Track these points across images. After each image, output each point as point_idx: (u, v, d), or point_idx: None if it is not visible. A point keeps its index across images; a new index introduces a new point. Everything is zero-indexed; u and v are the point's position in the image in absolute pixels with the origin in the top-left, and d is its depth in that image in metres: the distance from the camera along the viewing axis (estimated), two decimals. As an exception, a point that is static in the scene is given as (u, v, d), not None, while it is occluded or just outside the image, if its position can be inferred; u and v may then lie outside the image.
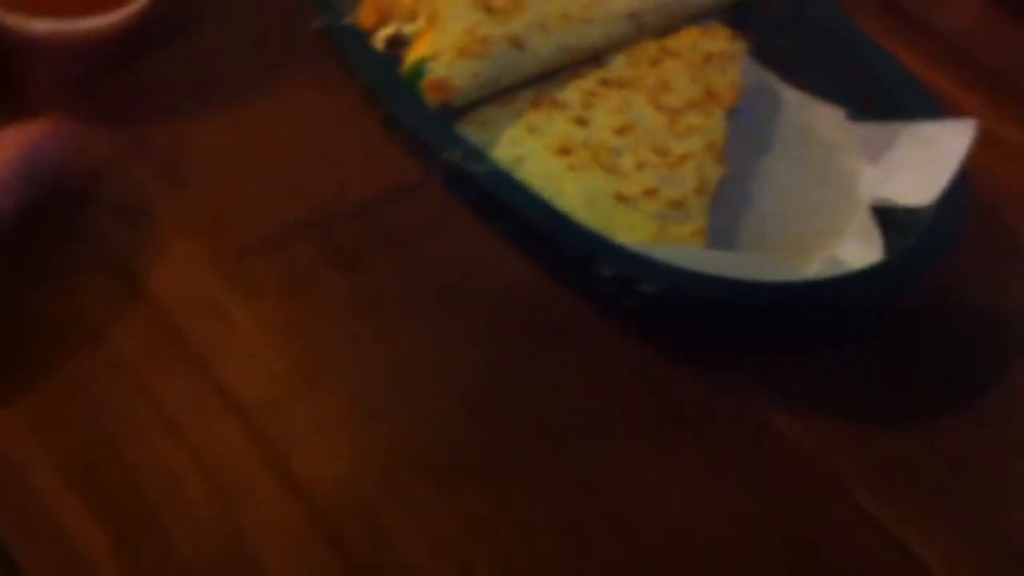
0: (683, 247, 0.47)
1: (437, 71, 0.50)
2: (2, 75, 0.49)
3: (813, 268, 0.49)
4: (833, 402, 0.49)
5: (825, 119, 0.58)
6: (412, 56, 0.52)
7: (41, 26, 0.47)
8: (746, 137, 0.57)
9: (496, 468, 0.43)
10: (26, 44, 0.48)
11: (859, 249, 0.50)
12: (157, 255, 0.47)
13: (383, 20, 0.55)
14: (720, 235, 0.52)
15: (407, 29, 0.54)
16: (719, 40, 0.58)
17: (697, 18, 0.60)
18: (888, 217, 0.52)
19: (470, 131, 0.51)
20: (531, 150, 0.50)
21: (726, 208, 0.53)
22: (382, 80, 0.49)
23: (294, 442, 0.42)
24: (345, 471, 0.42)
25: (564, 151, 0.50)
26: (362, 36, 0.51)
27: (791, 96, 0.59)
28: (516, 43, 0.52)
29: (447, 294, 0.48)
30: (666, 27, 0.58)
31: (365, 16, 0.55)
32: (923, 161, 0.52)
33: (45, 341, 0.43)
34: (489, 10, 0.52)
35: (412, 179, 0.52)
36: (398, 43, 0.54)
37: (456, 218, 0.50)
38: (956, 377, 0.51)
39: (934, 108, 0.55)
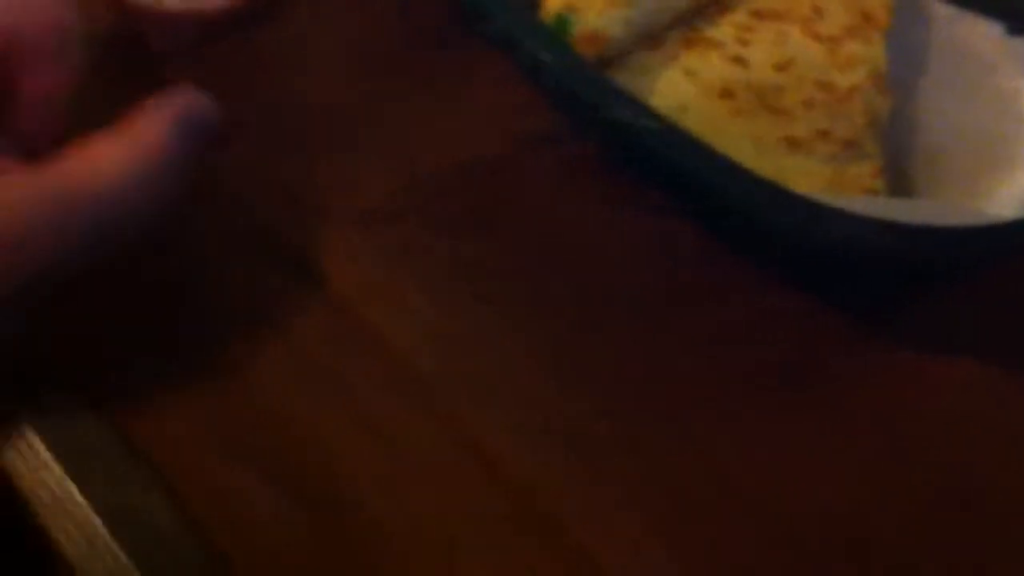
0: (867, 198, 0.45)
1: (588, 22, 0.47)
2: (143, 51, 0.47)
3: (996, 207, 0.46)
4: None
5: (981, 35, 0.54)
6: (553, 3, 0.49)
7: (173, 4, 0.44)
8: (898, 59, 0.54)
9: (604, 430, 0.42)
10: (161, 21, 0.46)
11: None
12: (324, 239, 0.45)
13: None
14: (892, 173, 0.49)
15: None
16: (864, -43, 0.54)
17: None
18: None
19: (623, 79, 0.48)
20: (691, 96, 0.47)
21: (892, 142, 0.50)
22: (532, 33, 0.46)
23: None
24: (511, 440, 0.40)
25: (726, 93, 0.48)
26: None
27: (942, 10, 0.56)
28: (661, -16, 0.49)
29: (590, 259, 0.46)
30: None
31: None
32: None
33: (223, 334, 0.42)
34: (627, -49, 0.49)
35: (554, 133, 0.49)
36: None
37: (600, 176, 0.48)
38: None
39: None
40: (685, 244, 0.48)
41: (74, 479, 0.38)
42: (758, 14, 0.51)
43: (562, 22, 0.48)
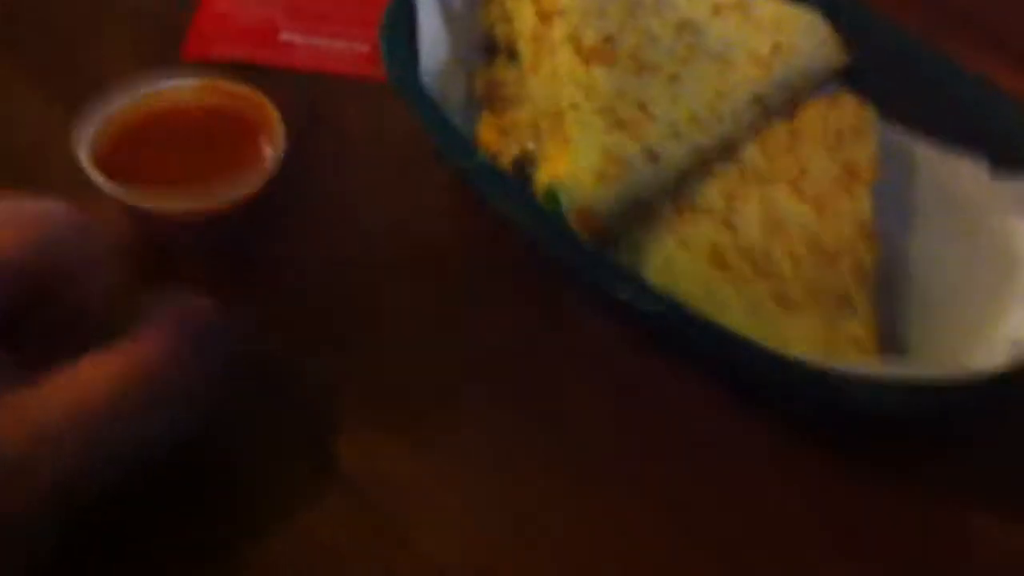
0: (863, 363, 0.46)
1: (580, 199, 0.49)
2: (155, 254, 0.50)
3: (994, 354, 0.47)
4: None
5: (967, 177, 0.56)
6: (543, 179, 0.51)
7: (176, 206, 0.47)
8: (887, 206, 0.55)
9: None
10: (168, 224, 0.48)
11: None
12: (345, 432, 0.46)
13: (504, 140, 0.54)
14: (886, 326, 0.50)
15: (531, 147, 0.53)
16: (846, 111, 0.56)
17: (819, 86, 0.58)
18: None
19: (620, 253, 0.50)
20: (686, 267, 0.49)
21: (884, 292, 0.52)
22: (531, 220, 0.49)
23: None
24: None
25: (719, 261, 0.49)
26: (501, 177, 0.50)
27: (927, 154, 0.58)
28: (653, 156, 0.51)
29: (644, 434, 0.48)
30: (791, 102, 0.57)
31: (488, 138, 0.54)
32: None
33: (238, 527, 0.43)
34: (621, 125, 0.51)
35: (565, 310, 0.51)
36: (525, 162, 0.53)
37: (617, 347, 0.50)
38: None
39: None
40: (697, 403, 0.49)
41: None
42: (745, 177, 0.53)
43: (552, 196, 0.50)
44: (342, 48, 0.62)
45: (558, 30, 0.55)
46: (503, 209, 0.49)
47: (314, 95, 0.60)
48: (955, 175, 0.56)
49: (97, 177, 0.47)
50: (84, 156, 0.48)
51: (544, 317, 0.51)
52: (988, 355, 0.47)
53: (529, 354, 0.50)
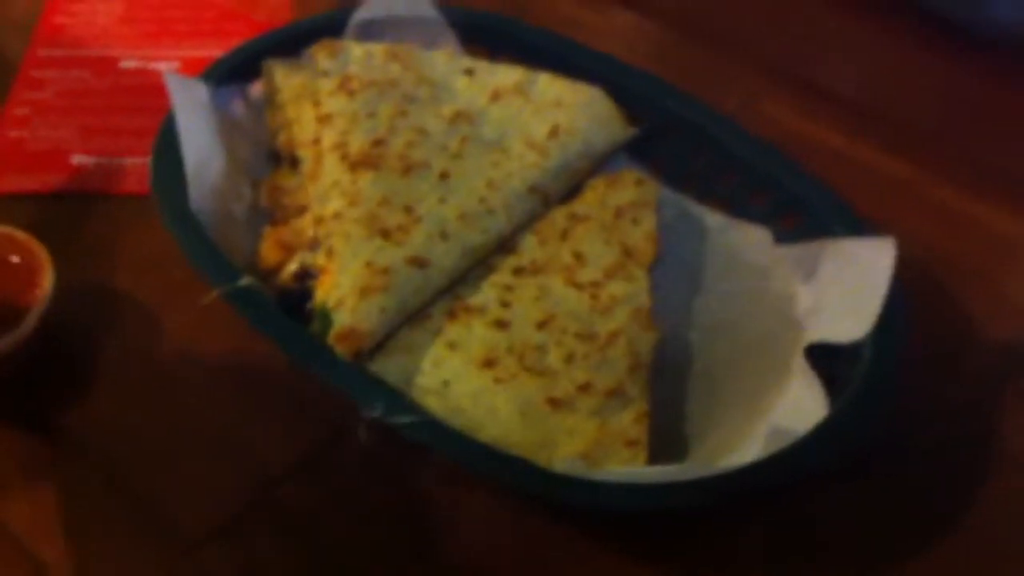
0: (622, 470, 0.46)
1: (343, 319, 0.49)
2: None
3: (756, 446, 0.47)
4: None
5: (752, 243, 0.56)
6: (319, 296, 0.51)
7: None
8: (674, 274, 0.55)
9: None
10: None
11: (803, 401, 0.48)
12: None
13: (287, 253, 0.54)
14: (668, 406, 0.51)
15: (310, 260, 0.53)
16: (626, 188, 0.57)
17: (605, 164, 0.58)
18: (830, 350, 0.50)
19: (390, 363, 0.50)
20: (455, 370, 0.49)
21: (669, 367, 0.52)
22: (285, 342, 0.49)
23: None
24: None
25: (488, 363, 0.49)
26: (259, 297, 0.50)
27: (714, 220, 0.58)
28: (419, 263, 0.51)
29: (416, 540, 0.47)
30: (573, 186, 0.57)
31: (269, 252, 0.54)
32: (852, 287, 0.51)
33: None
34: (384, 234, 0.51)
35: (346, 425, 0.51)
36: (305, 275, 0.53)
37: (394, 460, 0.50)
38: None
39: (853, 220, 0.53)
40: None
41: None
42: (520, 271, 0.53)
43: (324, 317, 0.50)
44: (135, 164, 0.61)
45: (327, 138, 0.55)
46: (263, 332, 0.49)
47: (108, 216, 0.59)
48: (741, 241, 0.57)
49: None
50: None
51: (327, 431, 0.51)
52: (755, 442, 0.47)
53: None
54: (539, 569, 0.48)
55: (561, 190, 0.56)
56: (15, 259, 0.52)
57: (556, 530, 0.48)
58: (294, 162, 0.57)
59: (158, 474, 0.50)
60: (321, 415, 0.51)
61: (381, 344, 0.50)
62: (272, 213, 0.56)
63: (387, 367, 0.49)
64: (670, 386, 0.52)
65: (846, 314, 0.50)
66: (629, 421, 0.48)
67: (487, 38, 0.62)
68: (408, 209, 0.52)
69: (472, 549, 0.48)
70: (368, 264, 0.50)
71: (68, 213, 0.58)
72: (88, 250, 0.56)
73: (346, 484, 0.50)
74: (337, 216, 0.52)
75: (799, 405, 0.48)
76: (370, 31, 0.60)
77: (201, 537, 0.47)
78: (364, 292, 0.49)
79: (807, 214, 0.55)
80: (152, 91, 0.61)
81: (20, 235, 0.52)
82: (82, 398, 0.52)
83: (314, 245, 0.53)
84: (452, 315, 0.51)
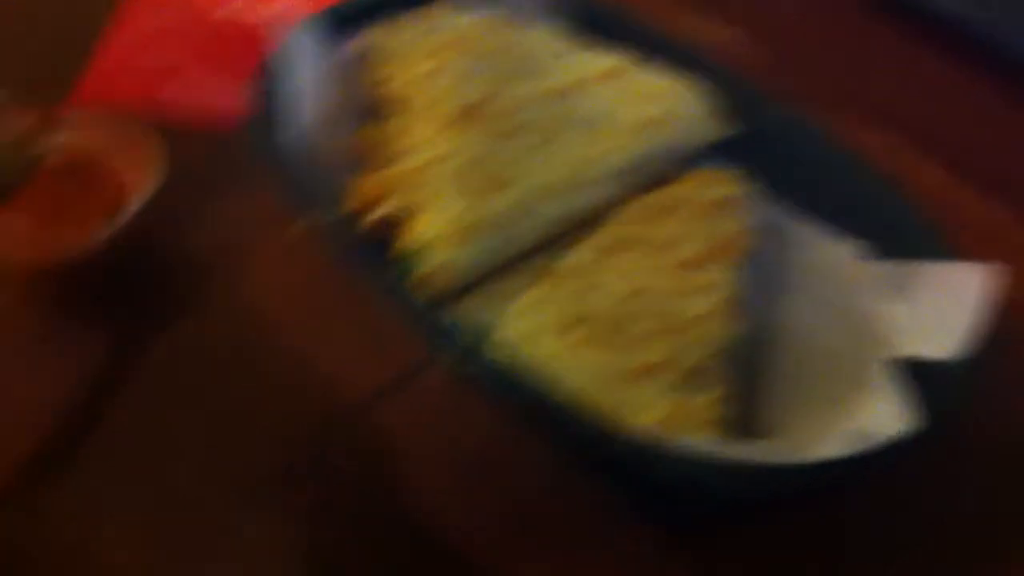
0: (698, 439, 0.45)
1: (431, 261, 0.49)
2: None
3: (835, 444, 0.46)
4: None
5: (842, 258, 0.56)
6: (406, 240, 0.51)
7: (19, 257, 0.47)
8: (762, 277, 0.55)
9: None
10: (15, 272, 0.48)
11: (886, 411, 0.47)
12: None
13: (378, 198, 0.54)
14: (744, 398, 0.50)
15: (401, 206, 0.53)
16: (722, 184, 0.56)
17: (691, 161, 0.58)
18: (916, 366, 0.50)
19: (474, 309, 0.49)
20: (536, 328, 0.49)
21: (744, 366, 0.51)
22: (376, 275, 0.48)
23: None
24: None
25: (569, 327, 0.49)
26: (352, 230, 0.49)
27: (805, 233, 0.57)
28: (505, 223, 0.51)
29: (466, 472, 0.46)
30: (664, 176, 0.57)
31: (360, 195, 0.54)
32: (943, 307, 0.50)
33: None
34: (478, 190, 0.51)
35: (421, 362, 0.51)
36: (393, 222, 0.53)
37: (470, 400, 0.49)
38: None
39: (945, 246, 0.53)
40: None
41: None
42: (613, 244, 0.52)
43: (408, 260, 0.50)
44: (232, 102, 0.61)
45: (427, 94, 0.55)
46: (351, 265, 0.48)
47: (200, 147, 0.59)
48: (828, 255, 0.56)
49: None
50: None
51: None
52: (836, 443, 0.46)
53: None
54: (582, 526, 0.46)
55: (651, 176, 0.56)
56: (114, 165, 0.52)
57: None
58: (390, 115, 0.57)
59: (236, 397, 0.49)
60: (394, 353, 0.51)
61: (460, 296, 0.50)
62: (363, 161, 0.56)
63: (465, 318, 0.49)
64: (743, 381, 0.51)
65: (934, 332, 0.49)
66: (705, 403, 0.48)
67: (590, 24, 0.62)
68: (500, 171, 0.52)
69: (527, 495, 0.46)
70: (457, 216, 0.50)
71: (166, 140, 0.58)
72: (177, 178, 0.56)
73: (416, 420, 0.49)
74: (430, 167, 0.52)
75: (881, 414, 0.47)
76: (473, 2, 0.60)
77: (277, 461, 0.46)
78: (450, 241, 0.49)
79: (897, 235, 0.54)
80: (253, 35, 0.61)
81: (136, 127, 0.52)
82: (165, 317, 0.51)
83: (405, 194, 0.53)
84: (536, 277, 0.51)
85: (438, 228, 0.49)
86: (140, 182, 0.50)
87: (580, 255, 0.52)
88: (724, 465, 0.43)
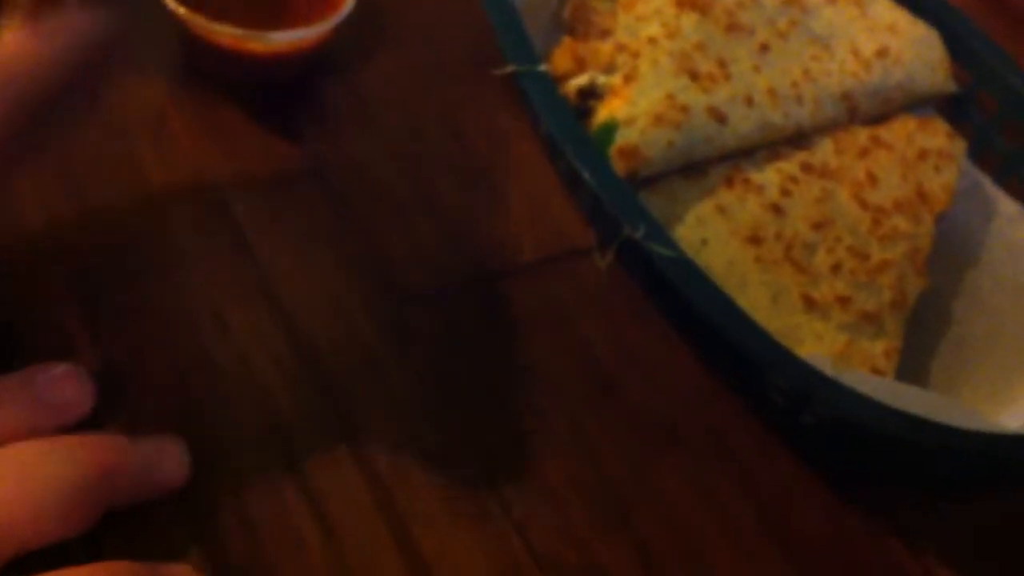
0: (870, 377, 0.42)
1: (630, 137, 0.46)
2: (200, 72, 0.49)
3: (1014, 419, 0.43)
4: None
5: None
6: (604, 113, 0.49)
7: (224, 32, 0.45)
8: (951, 245, 0.52)
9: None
10: (214, 51, 0.47)
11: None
12: (315, 291, 0.44)
13: (578, 67, 0.51)
14: (913, 357, 0.47)
15: (602, 80, 0.51)
16: (936, 136, 0.53)
17: (913, 107, 0.55)
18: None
19: (654, 202, 0.47)
20: (718, 233, 0.46)
21: (922, 326, 0.48)
22: (567, 136, 0.46)
23: (420, 516, 0.39)
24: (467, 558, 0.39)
25: (754, 240, 0.46)
26: (552, 86, 0.47)
27: (1007, 207, 0.54)
28: (718, 115, 0.48)
29: (602, 378, 0.45)
30: (880, 113, 0.53)
31: (560, 60, 0.52)
32: None
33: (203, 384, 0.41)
34: (694, 75, 0.48)
35: (582, 245, 0.49)
36: (591, 94, 0.51)
37: (623, 294, 0.47)
38: None
39: None
40: (690, 378, 0.46)
41: None
42: (809, 168, 0.49)
43: (607, 132, 0.47)
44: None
45: (661, -32, 0.52)
46: (543, 123, 0.46)
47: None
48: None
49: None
50: None
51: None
52: (1012, 418, 0.43)
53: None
54: (720, 446, 0.44)
55: (870, 110, 0.53)
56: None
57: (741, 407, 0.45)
58: (610, -14, 0.55)
59: (383, 220, 0.47)
60: (561, 227, 0.49)
61: (649, 182, 0.48)
62: (572, 28, 0.54)
63: (650, 206, 0.46)
64: (919, 340, 0.48)
65: None
66: (879, 351, 0.45)
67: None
68: (722, 63, 0.49)
69: (660, 395, 0.45)
70: (670, 96, 0.47)
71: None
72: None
73: (563, 301, 0.47)
74: (651, 42, 0.49)
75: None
76: None
77: (417, 293, 0.45)
78: (658, 119, 0.47)
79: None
80: None
81: None
82: (330, 125, 0.50)
83: (609, 69, 0.50)
84: (729, 182, 0.48)
85: (646, 104, 0.47)
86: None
87: (777, 172, 0.49)
88: (886, 409, 0.40)
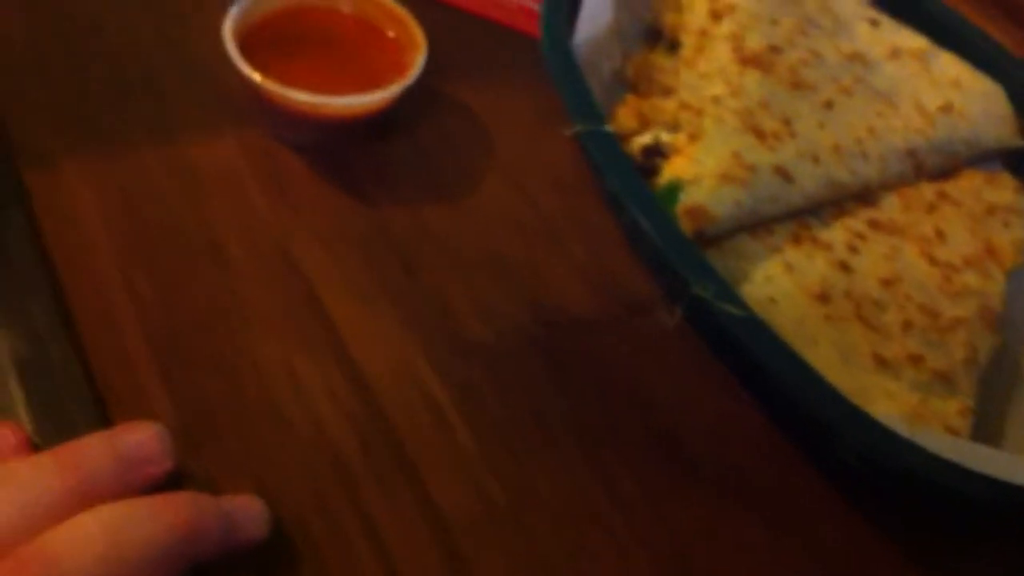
0: (943, 436, 0.42)
1: (696, 196, 0.46)
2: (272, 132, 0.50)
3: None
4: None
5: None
6: (669, 171, 0.49)
7: (299, 98, 0.46)
8: (1020, 300, 0.51)
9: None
10: (288, 112, 0.48)
11: None
12: (380, 342, 0.45)
13: (643, 125, 0.52)
14: (988, 414, 0.46)
15: (666, 138, 0.51)
16: (1004, 190, 0.52)
17: (980, 161, 0.54)
18: None
19: (720, 260, 0.47)
20: (786, 291, 0.46)
21: (996, 383, 0.48)
22: (632, 194, 0.46)
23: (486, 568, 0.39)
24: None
25: (823, 297, 0.46)
26: (615, 145, 0.47)
27: (1077, 261, 0.53)
28: (784, 174, 0.48)
29: (667, 434, 0.45)
30: (946, 168, 0.53)
31: (624, 118, 0.52)
32: None
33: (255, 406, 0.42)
34: (759, 134, 0.48)
35: (644, 301, 0.49)
36: (655, 152, 0.51)
37: (688, 350, 0.47)
38: None
39: None
40: (757, 434, 0.46)
41: None
42: (876, 224, 0.49)
43: (672, 191, 0.48)
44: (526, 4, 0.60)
45: (724, 27, 0.52)
46: (609, 183, 0.47)
47: (469, 34, 0.58)
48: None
49: (241, 65, 0.47)
50: (231, 39, 0.47)
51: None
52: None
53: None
54: (788, 506, 0.44)
55: (935, 166, 0.52)
56: (391, 33, 0.52)
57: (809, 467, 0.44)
58: (673, 43, 0.55)
59: (447, 274, 0.48)
60: (621, 288, 0.49)
61: (716, 241, 0.48)
62: (635, 85, 0.54)
63: (716, 264, 0.46)
64: (993, 398, 0.47)
65: None
66: (953, 410, 0.44)
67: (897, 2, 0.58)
68: (786, 121, 0.49)
69: (724, 452, 0.45)
70: (735, 155, 0.48)
71: (447, 22, 0.57)
72: (446, 59, 0.55)
73: (621, 356, 0.47)
74: (715, 101, 0.49)
75: None
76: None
77: (480, 348, 0.45)
78: (724, 178, 0.47)
79: None
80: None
81: (401, 11, 0.52)
82: (396, 186, 0.51)
83: (672, 127, 0.51)
84: (796, 240, 0.48)
85: (712, 163, 0.47)
86: (415, 54, 0.50)
87: (844, 229, 0.49)
88: (965, 471, 0.39)
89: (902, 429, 0.40)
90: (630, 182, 0.46)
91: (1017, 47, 0.65)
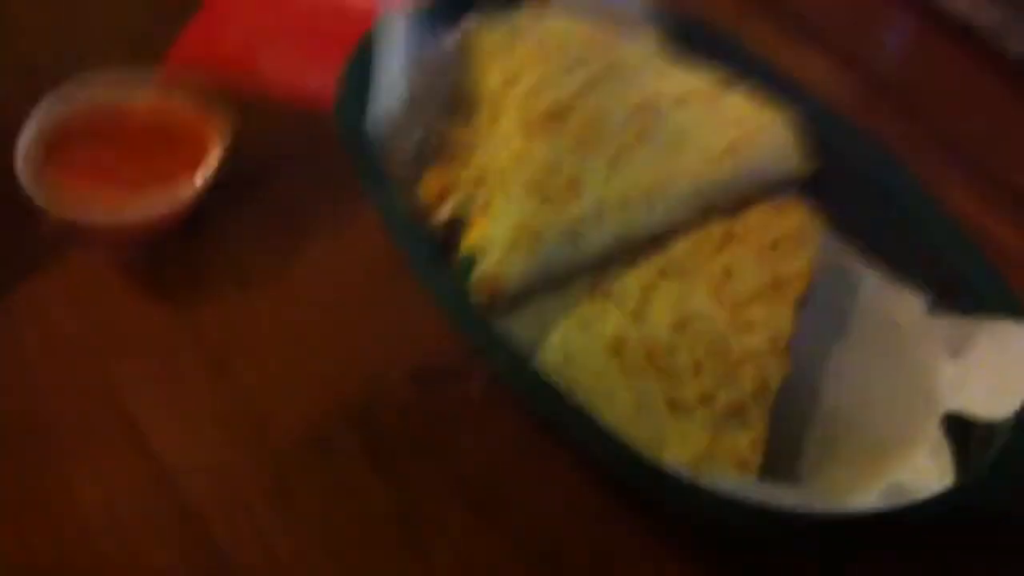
0: (731, 479, 0.45)
1: (487, 265, 0.49)
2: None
3: (872, 496, 0.45)
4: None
5: (904, 308, 0.54)
6: (465, 243, 0.51)
7: (95, 218, 0.48)
8: (819, 318, 0.54)
9: None
10: (85, 233, 0.49)
11: (929, 466, 0.46)
12: (195, 450, 0.46)
13: (445, 195, 0.54)
14: (783, 438, 0.49)
15: (466, 209, 0.53)
16: (792, 219, 0.55)
17: (775, 190, 0.57)
18: (965, 425, 0.48)
19: (523, 321, 0.49)
20: (583, 348, 0.49)
21: (792, 402, 0.50)
22: (427, 269, 0.48)
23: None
24: None
25: (616, 351, 0.49)
26: (409, 224, 0.49)
27: (870, 278, 0.56)
28: (570, 235, 0.50)
29: (487, 504, 0.47)
30: (737, 205, 0.56)
31: (428, 191, 0.54)
32: (1002, 368, 0.49)
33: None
34: (545, 198, 0.51)
35: (458, 365, 0.51)
36: (457, 222, 0.53)
37: (500, 413, 0.49)
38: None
39: (1015, 305, 0.51)
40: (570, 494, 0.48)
41: None
42: (666, 272, 0.52)
43: (469, 262, 0.50)
44: (316, 76, 0.62)
45: (510, 96, 0.55)
46: (411, 264, 0.49)
47: (277, 122, 0.60)
48: (889, 305, 0.55)
49: (35, 195, 0.48)
50: (25, 160, 0.49)
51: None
52: (873, 495, 0.46)
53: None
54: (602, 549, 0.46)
55: (726, 205, 0.55)
56: (195, 130, 0.53)
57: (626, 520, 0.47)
58: (471, 113, 0.57)
59: (262, 370, 0.49)
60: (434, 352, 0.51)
61: (515, 303, 0.50)
62: (438, 156, 0.56)
63: (515, 327, 0.49)
64: (789, 422, 0.50)
65: (991, 392, 0.48)
66: (744, 443, 0.47)
67: (685, 38, 0.61)
68: (573, 181, 0.52)
69: (543, 515, 0.47)
70: (522, 223, 0.50)
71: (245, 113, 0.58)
72: (248, 149, 0.57)
73: (443, 427, 0.49)
74: (502, 171, 0.52)
75: (924, 469, 0.46)
76: (574, 5, 0.60)
77: (293, 437, 0.47)
78: (512, 247, 0.49)
79: (966, 290, 0.53)
80: (345, 16, 0.61)
81: (202, 106, 0.53)
82: (206, 285, 0.52)
83: (471, 195, 0.53)
84: (590, 295, 0.51)
85: (502, 230, 0.49)
86: (215, 149, 0.51)
87: (636, 277, 0.51)
88: (753, 508, 0.42)
89: (690, 474, 0.43)
90: (420, 260, 0.48)
91: (831, 71, 0.68)
